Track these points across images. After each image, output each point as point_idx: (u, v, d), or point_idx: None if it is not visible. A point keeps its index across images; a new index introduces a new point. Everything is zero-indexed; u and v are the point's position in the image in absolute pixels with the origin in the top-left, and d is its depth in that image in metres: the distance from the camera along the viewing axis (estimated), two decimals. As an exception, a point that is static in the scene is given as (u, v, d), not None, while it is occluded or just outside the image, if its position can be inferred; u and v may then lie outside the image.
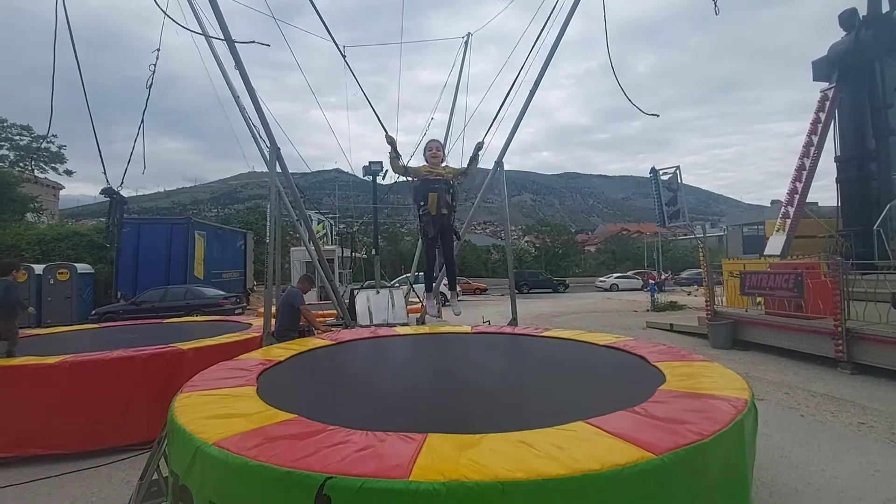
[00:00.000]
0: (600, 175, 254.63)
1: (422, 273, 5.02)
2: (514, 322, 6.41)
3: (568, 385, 3.16)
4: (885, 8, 11.30)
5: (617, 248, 58.15)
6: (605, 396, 2.84)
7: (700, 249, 11.84)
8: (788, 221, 11.68)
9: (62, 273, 16.13)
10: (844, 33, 11.92)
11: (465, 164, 4.33)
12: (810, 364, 7.93)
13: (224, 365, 3.40)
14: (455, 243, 4.17)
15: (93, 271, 17.55)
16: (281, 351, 4.02)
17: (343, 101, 6.60)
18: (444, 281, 4.98)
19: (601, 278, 37.27)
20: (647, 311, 17.43)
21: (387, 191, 12.64)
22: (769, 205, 27.13)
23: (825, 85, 12.21)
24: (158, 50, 6.65)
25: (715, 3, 5.47)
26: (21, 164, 31.01)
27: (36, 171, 31.59)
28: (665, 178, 12.05)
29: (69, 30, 5.01)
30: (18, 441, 4.43)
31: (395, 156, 3.92)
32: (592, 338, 4.54)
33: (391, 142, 3.99)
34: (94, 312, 14.11)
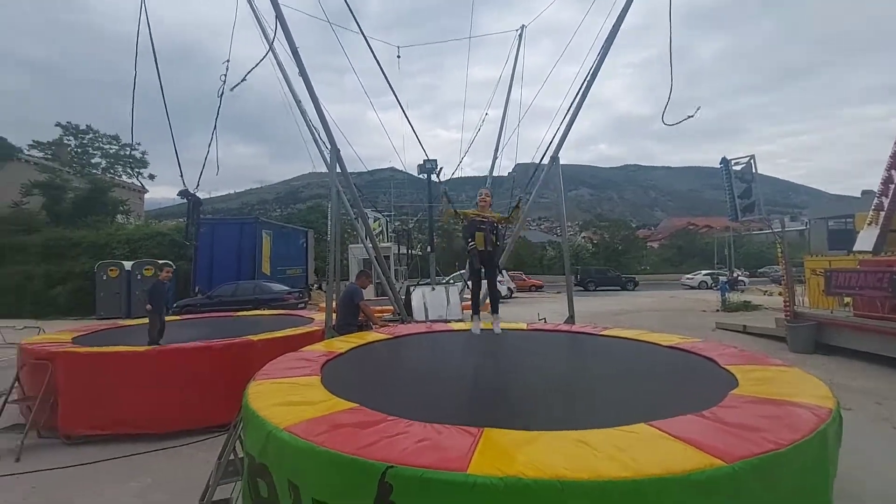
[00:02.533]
0: (664, 166, 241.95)
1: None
2: (571, 320, 6.27)
3: (628, 385, 3.06)
4: None
5: (683, 243, 54.96)
6: (669, 399, 2.72)
7: (779, 245, 10.95)
8: (883, 214, 10.50)
9: (148, 269, 17.68)
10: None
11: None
12: (904, 371, 7.14)
13: (291, 356, 3.60)
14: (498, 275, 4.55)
15: (174, 267, 19.10)
16: (342, 344, 4.20)
17: (399, 101, 6.72)
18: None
19: (688, 276, 34.81)
20: (717, 311, 16.38)
21: (440, 187, 12.74)
22: (859, 195, 24.52)
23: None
24: (228, 61, 7.11)
25: None
26: (111, 171, 34.43)
27: (123, 176, 34.92)
28: (738, 168, 11.23)
29: (153, 48, 5.49)
30: (115, 421, 4.93)
31: (448, 205, 4.66)
32: (656, 338, 4.35)
33: (445, 194, 4.91)
34: (175, 305, 15.35)
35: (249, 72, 6.03)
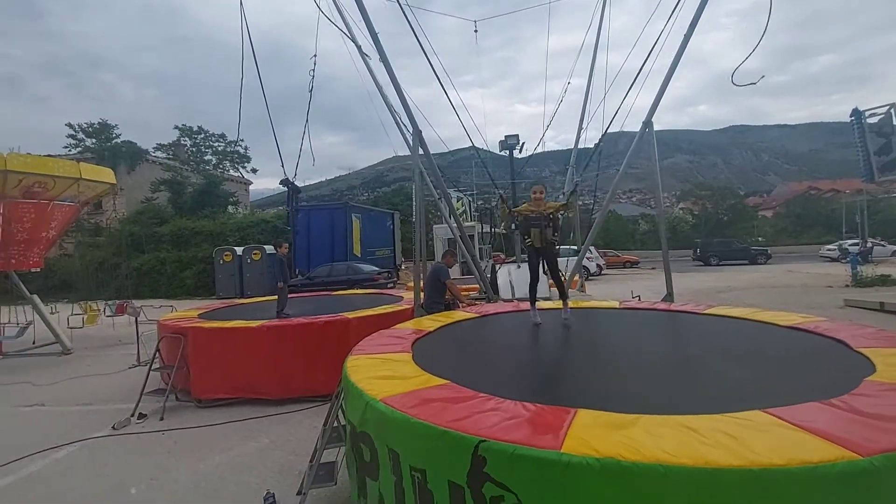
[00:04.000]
0: (778, 125, 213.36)
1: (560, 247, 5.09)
2: (669, 298, 5.86)
3: (739, 369, 2.79)
4: None
5: (802, 210, 48.46)
6: (789, 384, 2.45)
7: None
8: None
9: (256, 253, 19.55)
10: None
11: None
12: None
13: (384, 332, 3.79)
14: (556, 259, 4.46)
15: (289, 244, 20.91)
16: (430, 322, 4.32)
17: (477, 79, 6.63)
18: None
19: (828, 247, 29.67)
20: (847, 286, 14.34)
21: (523, 164, 12.47)
22: None
23: None
24: (315, 56, 7.46)
25: None
26: (220, 166, 38.36)
27: (230, 170, 38.73)
28: (873, 120, 9.60)
29: (253, 55, 5.95)
30: (237, 387, 5.58)
31: (503, 209, 4.65)
32: (771, 317, 3.93)
33: (503, 198, 5.01)
34: (279, 286, 16.87)
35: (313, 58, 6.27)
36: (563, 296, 4.37)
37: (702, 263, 28.69)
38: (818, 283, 15.80)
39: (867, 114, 9.66)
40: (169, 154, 36.33)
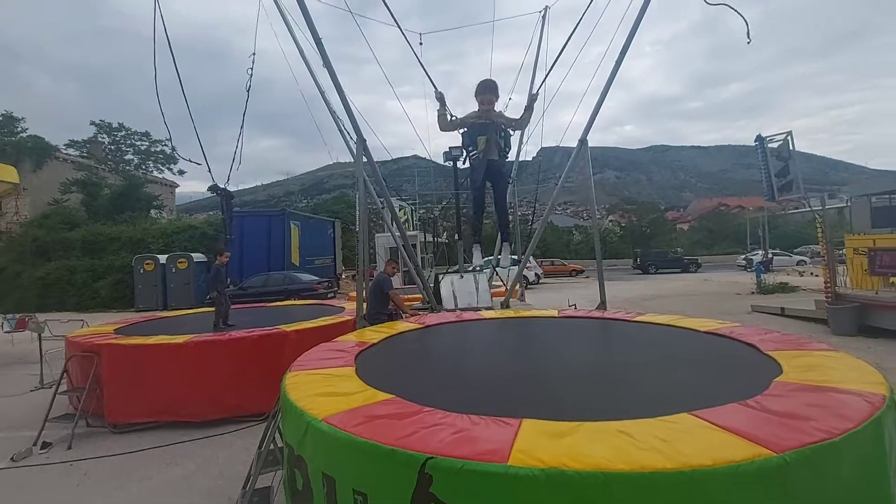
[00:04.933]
0: (693, 146, 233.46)
1: (502, 256, 5.01)
2: (602, 306, 6.17)
3: (667, 374, 2.99)
4: None
5: (714, 225, 53.34)
6: (711, 388, 2.64)
7: (819, 224, 10.48)
8: (933, 188, 9.93)
9: (181, 262, 18.27)
10: None
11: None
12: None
13: (325, 346, 3.66)
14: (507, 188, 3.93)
15: (206, 260, 19.68)
16: (374, 334, 4.23)
17: (419, 90, 6.68)
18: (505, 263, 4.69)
19: (741, 257, 32.89)
20: (753, 293, 15.87)
21: (467, 176, 12.65)
22: (905, 170, 23.12)
23: None
24: (254, 54, 7.17)
25: None
26: (143, 167, 35.53)
27: (154, 172, 35.98)
28: (774, 145, 10.75)
29: (170, 48, 5.59)
30: (158, 409, 5.14)
31: (443, 112, 3.82)
32: (692, 323, 4.24)
33: (440, 98, 3.93)
34: (208, 297, 15.84)
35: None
36: (506, 237, 3.96)
37: (641, 272, 30.84)
38: (729, 291, 17.35)
39: (768, 139, 10.81)
40: (83, 152, 33.09)
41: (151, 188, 31.57)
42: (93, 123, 34.33)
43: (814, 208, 11.25)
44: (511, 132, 3.72)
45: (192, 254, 18.78)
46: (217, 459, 4.31)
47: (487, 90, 3.59)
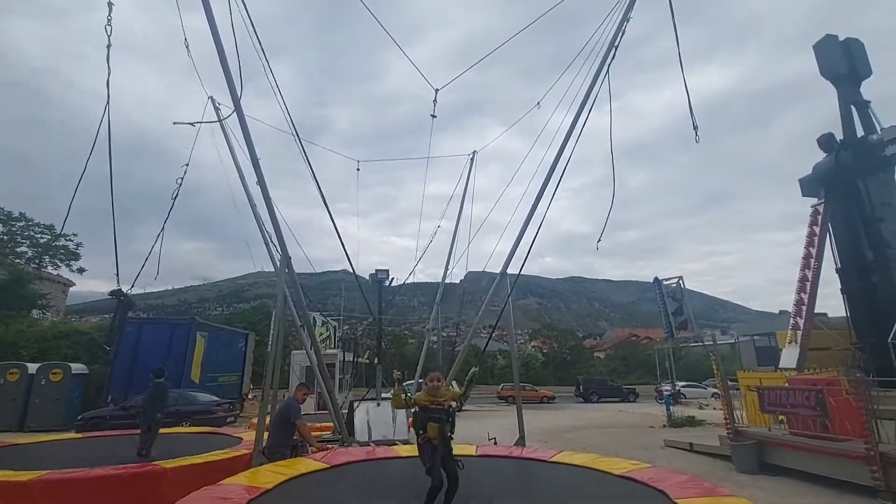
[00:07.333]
0: (605, 279, 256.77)
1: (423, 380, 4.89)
2: (521, 442, 6.01)
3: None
4: (860, 132, 12.17)
5: (627, 354, 56.41)
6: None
7: (713, 361, 11.44)
8: (800, 333, 11.40)
9: (55, 373, 15.72)
10: (825, 154, 12.68)
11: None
12: (847, 492, 7.20)
13: (207, 492, 3.14)
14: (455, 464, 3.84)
15: (87, 371, 17.12)
16: (270, 475, 3.74)
17: (354, 208, 6.97)
18: None
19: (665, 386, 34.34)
20: (664, 426, 16.36)
21: (393, 294, 12.72)
22: (777, 312, 26.68)
23: (815, 200, 12.71)
24: (187, 165, 7.22)
25: (696, 132, 5.99)
26: (37, 261, 32.05)
27: (50, 268, 32.54)
28: (669, 287, 12.11)
29: (109, 140, 5.50)
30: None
31: (398, 392, 3.99)
32: (607, 465, 4.21)
33: (398, 380, 4.15)
34: (80, 418, 13.41)
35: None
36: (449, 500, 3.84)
37: (582, 400, 31.36)
38: (643, 423, 17.74)
39: (664, 282, 12.21)
40: (-34, 240, 29.52)
41: (41, 285, 28.22)
42: (-13, 211, 31.29)
43: (706, 343, 12.39)
44: (454, 408, 3.93)
45: (70, 364, 16.33)
46: None
47: (434, 374, 3.93)
